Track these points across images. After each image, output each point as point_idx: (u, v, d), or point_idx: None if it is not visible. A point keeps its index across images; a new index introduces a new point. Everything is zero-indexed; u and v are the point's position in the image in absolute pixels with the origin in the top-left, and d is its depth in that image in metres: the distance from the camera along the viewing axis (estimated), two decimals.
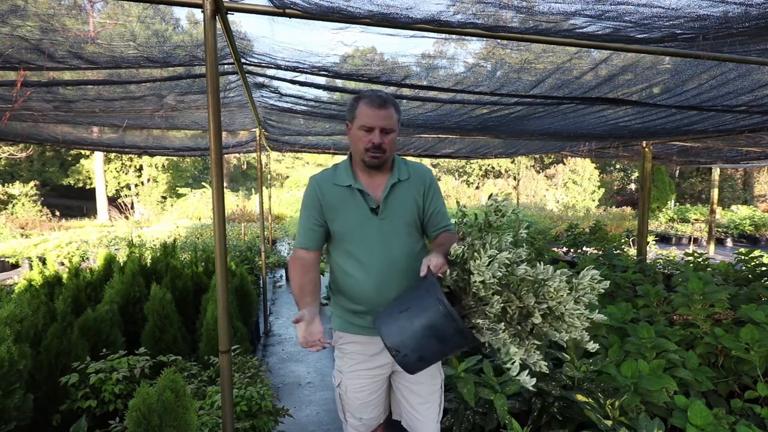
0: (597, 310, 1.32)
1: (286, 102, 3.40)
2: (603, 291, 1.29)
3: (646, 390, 2.12)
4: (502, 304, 1.25)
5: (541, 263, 1.31)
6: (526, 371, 1.27)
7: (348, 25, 1.79)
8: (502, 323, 1.26)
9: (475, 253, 1.28)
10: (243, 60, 2.34)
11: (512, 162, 23.43)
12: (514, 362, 1.25)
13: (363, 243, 1.57)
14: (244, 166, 29.78)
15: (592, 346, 1.32)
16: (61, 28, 1.94)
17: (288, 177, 28.32)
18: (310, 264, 1.61)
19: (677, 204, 19.26)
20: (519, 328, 1.30)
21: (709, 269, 4.39)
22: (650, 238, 9.11)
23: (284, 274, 7.55)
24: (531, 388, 1.32)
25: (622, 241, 7.78)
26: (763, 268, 4.10)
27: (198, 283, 3.90)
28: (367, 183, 1.60)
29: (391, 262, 1.57)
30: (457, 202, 1.48)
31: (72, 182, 22.27)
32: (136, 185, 22.57)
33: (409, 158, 2.28)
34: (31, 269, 3.57)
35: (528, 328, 1.30)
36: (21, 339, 2.21)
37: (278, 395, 3.13)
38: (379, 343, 1.63)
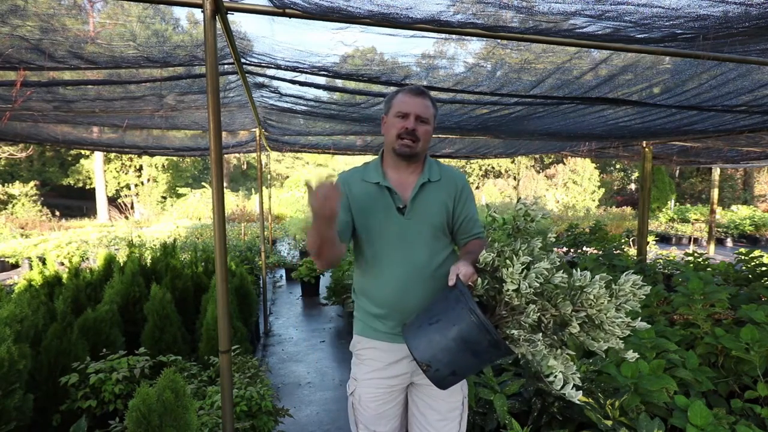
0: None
1: (286, 102, 3.40)
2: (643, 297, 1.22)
3: (646, 390, 2.12)
4: (537, 314, 1.19)
5: (577, 269, 1.25)
6: (571, 384, 1.20)
7: (348, 25, 1.79)
8: (540, 334, 1.20)
9: (507, 261, 1.22)
10: (243, 60, 2.34)
11: (512, 162, 23.43)
12: (557, 376, 1.19)
13: (386, 242, 1.51)
14: (244, 166, 29.78)
15: (632, 356, 1.25)
16: (61, 28, 1.94)
17: (288, 177, 28.30)
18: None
19: (677, 204, 19.26)
20: (554, 338, 1.23)
21: (709, 269, 4.39)
22: (650, 238, 9.11)
23: (284, 274, 7.55)
24: (578, 402, 1.25)
25: (622, 241, 7.78)
26: (763, 268, 4.10)
27: (198, 283, 3.90)
28: (397, 182, 1.54)
29: (413, 264, 1.51)
30: (487, 206, 1.42)
31: (72, 182, 22.27)
32: (136, 185, 22.57)
33: None
34: (31, 269, 3.57)
35: (564, 337, 1.23)
36: (21, 339, 2.21)
37: (278, 395, 3.12)
38: (397, 352, 1.56)
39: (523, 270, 1.20)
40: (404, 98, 1.50)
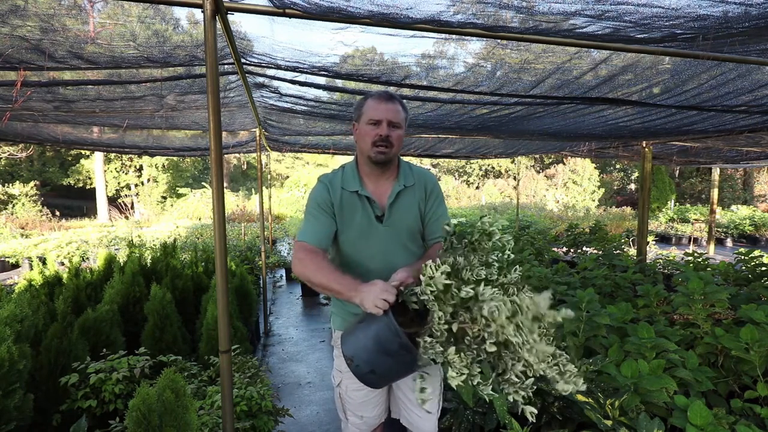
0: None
1: (286, 102, 3.40)
2: (560, 321, 1.01)
3: (646, 390, 2.12)
4: (443, 323, 1.18)
5: (482, 284, 1.15)
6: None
7: (348, 25, 1.79)
8: (452, 347, 1.15)
9: (428, 268, 1.21)
10: (243, 60, 2.34)
11: (512, 162, 23.43)
12: (452, 385, 1.15)
13: (365, 248, 1.59)
14: (244, 166, 29.76)
15: (531, 411, 1.12)
16: (61, 28, 1.94)
17: (288, 177, 28.29)
18: (322, 256, 1.53)
19: (677, 204, 19.26)
20: (476, 354, 1.17)
21: (709, 269, 4.39)
22: (650, 238, 9.10)
23: (284, 274, 7.54)
24: (500, 411, 1.27)
25: (622, 241, 7.77)
26: (763, 268, 4.10)
27: (198, 283, 3.89)
28: (374, 189, 1.61)
29: (391, 267, 1.55)
30: (447, 224, 1.37)
31: (72, 182, 22.26)
32: (136, 185, 22.56)
33: (408, 159, 2.27)
34: (32, 269, 3.57)
35: (484, 355, 1.16)
36: (21, 339, 2.21)
37: (278, 395, 3.12)
38: None
39: (431, 277, 1.18)
40: (375, 105, 1.52)
